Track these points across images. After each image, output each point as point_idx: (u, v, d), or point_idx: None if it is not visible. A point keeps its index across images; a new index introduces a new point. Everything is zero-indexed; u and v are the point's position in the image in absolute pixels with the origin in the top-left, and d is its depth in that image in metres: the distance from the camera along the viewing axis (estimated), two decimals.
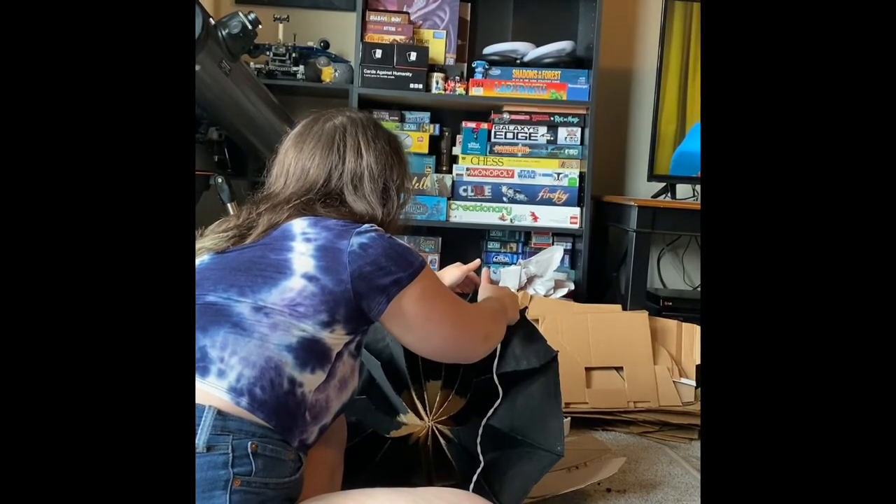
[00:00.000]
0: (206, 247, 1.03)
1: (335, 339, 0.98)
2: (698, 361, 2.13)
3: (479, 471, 1.25)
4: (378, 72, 2.55)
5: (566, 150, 2.67)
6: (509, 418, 1.34)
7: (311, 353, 0.95)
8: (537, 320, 2.09)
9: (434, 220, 2.63)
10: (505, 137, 2.68)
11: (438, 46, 2.69)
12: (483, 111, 2.74)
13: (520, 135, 2.68)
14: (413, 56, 2.56)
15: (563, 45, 2.63)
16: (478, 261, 1.51)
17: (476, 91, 2.62)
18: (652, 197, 2.76)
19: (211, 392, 0.89)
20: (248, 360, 0.91)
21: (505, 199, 2.65)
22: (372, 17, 2.64)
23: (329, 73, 2.64)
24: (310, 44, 2.73)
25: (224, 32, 2.01)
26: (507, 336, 1.41)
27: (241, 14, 2.04)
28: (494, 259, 2.80)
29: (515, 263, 2.70)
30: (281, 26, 2.63)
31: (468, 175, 2.66)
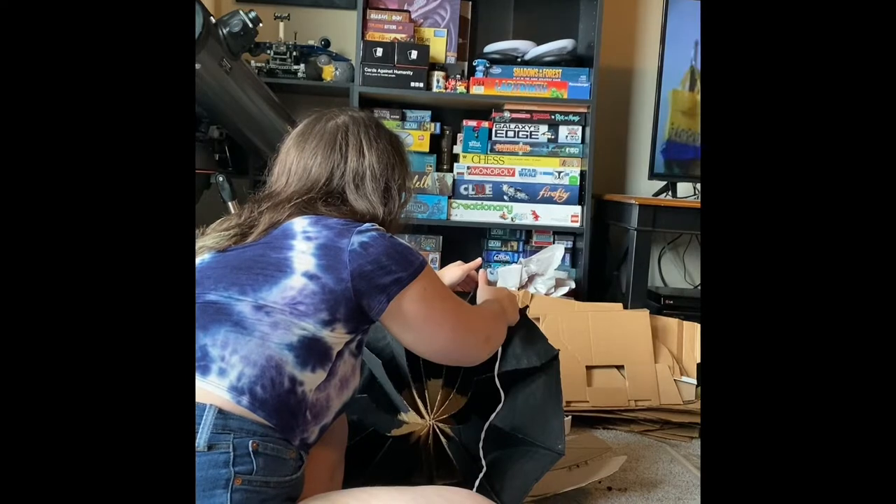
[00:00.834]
0: (208, 245, 1.04)
1: (336, 337, 0.98)
2: (699, 360, 2.13)
3: (481, 475, 1.25)
4: (379, 70, 2.55)
5: (567, 149, 2.67)
6: (510, 417, 1.34)
7: (311, 351, 0.95)
8: (538, 319, 2.09)
9: (435, 219, 2.63)
10: (506, 136, 2.68)
11: (439, 45, 2.69)
12: (484, 110, 2.74)
13: (521, 133, 2.68)
14: (414, 54, 2.56)
15: (563, 44, 2.63)
16: (478, 260, 1.51)
17: (477, 89, 2.62)
18: (653, 195, 2.76)
19: (212, 391, 0.89)
20: (248, 359, 0.91)
21: (506, 197, 2.65)
22: (373, 15, 2.64)
23: (330, 72, 2.64)
24: (310, 42, 2.73)
25: (225, 31, 2.01)
26: (507, 335, 1.41)
27: (241, 12, 2.04)
28: (495, 258, 2.80)
29: (516, 262, 2.70)
30: (282, 25, 2.63)
31: (469, 174, 2.66)
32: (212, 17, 1.98)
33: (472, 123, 2.69)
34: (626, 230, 2.56)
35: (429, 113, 2.75)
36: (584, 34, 2.76)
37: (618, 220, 2.68)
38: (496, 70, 2.63)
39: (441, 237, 2.76)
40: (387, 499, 0.94)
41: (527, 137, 2.68)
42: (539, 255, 2.54)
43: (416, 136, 2.69)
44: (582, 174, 2.65)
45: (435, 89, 2.60)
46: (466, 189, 2.65)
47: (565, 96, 2.62)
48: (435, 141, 2.75)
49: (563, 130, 2.67)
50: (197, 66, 1.92)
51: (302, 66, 2.61)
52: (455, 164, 2.68)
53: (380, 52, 2.55)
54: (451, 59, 2.71)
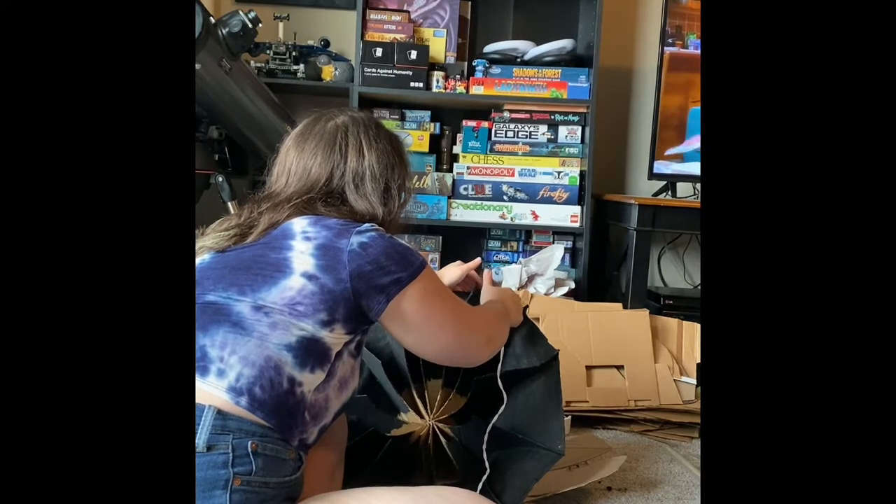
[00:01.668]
0: (207, 245, 1.03)
1: (335, 338, 0.98)
2: (699, 360, 2.13)
3: (484, 478, 1.25)
4: (378, 70, 2.55)
5: (567, 149, 2.67)
6: (510, 417, 1.34)
7: (310, 352, 0.95)
8: (538, 319, 2.09)
9: (434, 219, 2.62)
10: (505, 136, 2.68)
11: (439, 45, 2.69)
12: (483, 110, 2.74)
13: (520, 133, 2.68)
14: (413, 54, 2.56)
15: (563, 44, 2.63)
16: (478, 259, 1.51)
17: (476, 90, 2.62)
18: (652, 195, 2.76)
19: (210, 391, 0.89)
20: (247, 360, 0.91)
21: (505, 197, 2.65)
22: (372, 15, 2.64)
23: (329, 72, 2.64)
24: (310, 42, 2.73)
25: (224, 31, 2.01)
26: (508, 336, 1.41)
27: (241, 13, 2.04)
28: (495, 258, 2.80)
29: (516, 262, 2.70)
30: (281, 25, 2.63)
31: (469, 174, 2.66)
32: (211, 18, 1.98)
33: (472, 123, 2.69)
34: (626, 230, 2.56)
35: (428, 113, 2.75)
36: (583, 34, 2.76)
37: (617, 220, 2.68)
38: (496, 70, 2.63)
39: (441, 237, 2.76)
40: (387, 499, 0.93)
41: (526, 137, 2.68)
42: (539, 255, 2.54)
43: (415, 136, 2.69)
44: (582, 174, 2.65)
45: (434, 89, 2.60)
46: (466, 189, 2.65)
47: (565, 96, 2.62)
48: (434, 141, 2.75)
49: (563, 130, 2.67)
50: (197, 66, 1.91)
51: (301, 67, 2.61)
52: (455, 165, 2.68)
53: (379, 52, 2.55)
54: (451, 59, 2.70)
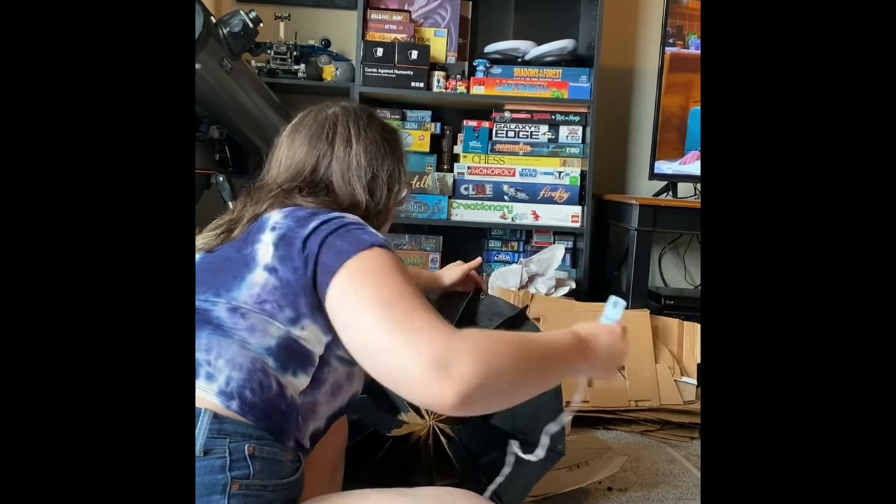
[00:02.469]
0: (198, 246, 1.01)
1: (310, 336, 0.92)
2: (699, 360, 2.13)
3: (499, 480, 1.23)
4: (379, 70, 2.55)
5: (567, 149, 2.67)
6: (510, 417, 1.34)
7: (291, 354, 0.91)
8: (538, 319, 2.09)
9: (435, 219, 2.62)
10: (506, 136, 2.68)
11: (440, 45, 2.69)
12: (484, 110, 2.74)
13: (521, 133, 2.68)
14: (414, 54, 2.56)
15: (564, 44, 2.63)
16: (479, 259, 1.51)
17: (477, 89, 2.62)
18: (653, 195, 2.76)
19: (202, 395, 0.87)
20: (234, 363, 0.89)
21: (506, 197, 2.65)
22: (373, 15, 2.64)
23: (330, 72, 2.64)
24: (311, 42, 2.73)
25: (225, 31, 2.01)
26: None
27: (242, 12, 2.05)
28: (496, 258, 2.80)
29: (516, 262, 2.70)
30: (282, 24, 2.63)
31: (469, 174, 2.66)
32: (212, 17, 1.98)
33: (473, 123, 2.69)
34: (627, 230, 2.56)
35: (429, 113, 2.75)
36: (584, 34, 2.76)
37: (618, 220, 2.67)
38: (496, 70, 2.63)
39: (441, 237, 2.76)
40: (385, 501, 0.93)
41: (527, 137, 2.68)
42: (539, 255, 2.54)
43: (416, 136, 2.69)
44: (582, 174, 2.65)
45: (435, 89, 2.60)
46: (467, 189, 2.65)
47: (566, 96, 2.62)
48: (435, 141, 2.75)
49: (564, 130, 2.67)
50: (197, 66, 1.92)
51: (302, 66, 2.61)
52: (455, 164, 2.68)
53: (380, 52, 2.55)
54: (452, 59, 2.71)
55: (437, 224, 2.65)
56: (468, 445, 1.35)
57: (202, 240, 1.02)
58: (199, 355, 0.89)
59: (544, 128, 2.67)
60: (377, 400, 1.42)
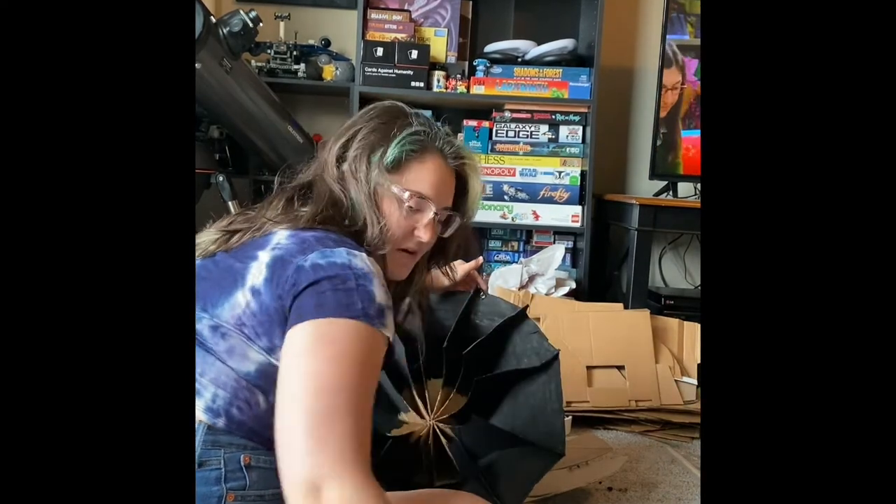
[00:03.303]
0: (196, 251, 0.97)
1: None
2: (699, 360, 2.13)
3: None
4: (379, 70, 2.55)
5: (567, 149, 2.67)
6: (510, 418, 1.34)
7: (272, 380, 0.84)
8: (539, 319, 2.09)
9: None
10: (506, 136, 2.68)
11: (440, 44, 2.69)
12: (484, 109, 2.74)
13: (521, 133, 2.68)
14: (414, 54, 2.56)
15: (564, 44, 2.63)
16: (479, 259, 1.50)
17: (477, 89, 2.62)
18: (653, 195, 2.76)
19: None
20: (218, 381, 0.86)
21: (506, 197, 2.65)
22: (373, 14, 2.64)
23: (330, 72, 2.64)
24: (311, 42, 2.72)
25: (225, 30, 2.01)
26: (507, 334, 1.41)
27: (241, 12, 2.04)
28: (496, 258, 2.80)
29: (517, 262, 2.70)
30: (282, 24, 2.63)
31: None
32: (212, 17, 1.98)
33: (473, 123, 2.69)
34: (627, 230, 2.56)
35: (429, 112, 2.74)
36: (584, 34, 2.76)
37: (618, 220, 2.67)
38: (497, 70, 2.63)
39: None
40: None
41: (527, 137, 2.68)
42: (539, 255, 2.54)
43: None
44: (582, 174, 2.65)
45: (435, 89, 2.60)
46: None
47: (566, 96, 2.62)
48: None
49: (564, 130, 2.67)
50: (197, 65, 1.92)
51: (302, 66, 2.61)
52: None
53: (380, 51, 2.55)
54: (452, 59, 2.70)
55: None
56: (468, 446, 1.35)
57: (199, 246, 0.97)
58: None
59: (544, 128, 2.67)
60: (377, 400, 1.41)
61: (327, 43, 2.74)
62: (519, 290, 2.37)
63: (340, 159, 1.01)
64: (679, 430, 1.97)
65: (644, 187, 2.90)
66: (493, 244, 2.81)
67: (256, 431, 0.86)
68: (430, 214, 1.02)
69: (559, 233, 2.74)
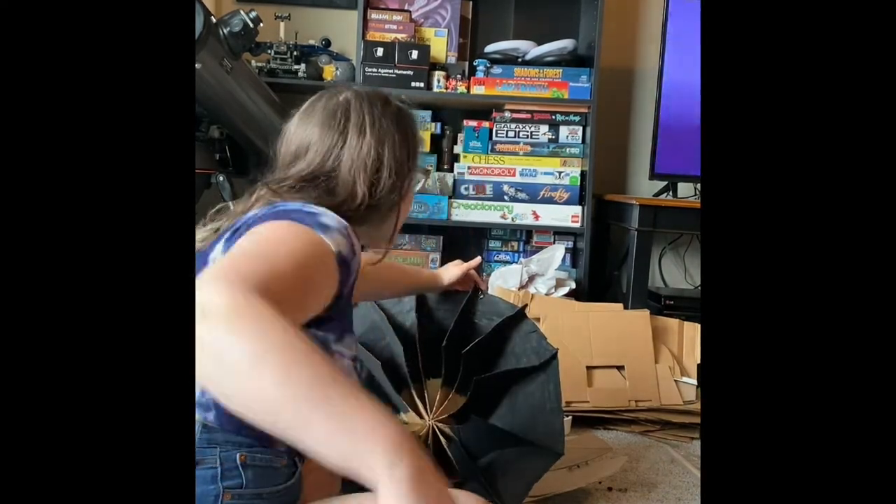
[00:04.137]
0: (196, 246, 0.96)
1: None
2: (699, 360, 2.13)
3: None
4: (379, 70, 2.55)
5: (567, 149, 2.67)
6: (509, 417, 1.34)
7: None
8: (538, 319, 2.09)
9: (435, 219, 2.62)
10: (506, 136, 2.68)
11: (440, 45, 2.69)
12: (484, 110, 2.74)
13: (521, 133, 2.68)
14: (414, 54, 2.56)
15: (564, 44, 2.63)
16: (478, 259, 1.51)
17: (477, 89, 2.62)
18: (653, 195, 2.76)
19: None
20: None
21: (506, 197, 2.65)
22: (373, 15, 2.64)
23: (330, 72, 2.64)
24: (311, 42, 2.73)
25: (225, 30, 2.01)
26: (506, 334, 1.41)
27: (242, 12, 2.05)
28: (496, 258, 2.80)
29: (517, 262, 2.70)
30: (282, 24, 2.63)
31: (469, 174, 2.66)
32: (212, 17, 1.98)
33: (473, 123, 2.69)
34: (627, 230, 2.56)
35: (429, 113, 2.75)
36: (584, 34, 2.76)
37: (618, 220, 2.67)
38: (497, 70, 2.63)
39: (441, 237, 2.76)
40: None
41: (527, 137, 2.68)
42: (539, 255, 2.54)
43: None
44: (582, 174, 2.65)
45: (435, 89, 2.60)
46: (467, 189, 2.65)
47: (566, 96, 2.62)
48: (435, 141, 2.75)
49: (564, 130, 2.67)
50: (197, 65, 1.92)
51: (302, 66, 2.61)
52: (455, 164, 2.68)
53: (380, 51, 2.55)
54: (452, 59, 2.71)
55: (437, 224, 2.65)
56: (468, 445, 1.35)
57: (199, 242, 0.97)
58: None
59: (544, 128, 2.67)
60: (376, 401, 1.41)
61: (327, 43, 2.74)
62: (519, 290, 2.37)
63: (377, 165, 1.01)
64: (679, 430, 1.97)
65: (644, 187, 2.90)
66: (493, 244, 2.81)
67: (247, 424, 0.85)
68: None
69: (559, 233, 2.74)
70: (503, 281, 2.44)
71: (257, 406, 0.63)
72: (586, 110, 2.64)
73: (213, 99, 2.11)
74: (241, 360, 0.61)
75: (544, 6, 2.84)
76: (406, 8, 2.70)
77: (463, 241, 2.82)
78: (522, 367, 1.34)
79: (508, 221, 2.64)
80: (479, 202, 2.64)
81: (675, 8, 2.61)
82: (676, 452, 1.83)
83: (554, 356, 1.37)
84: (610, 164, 2.94)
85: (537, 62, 2.64)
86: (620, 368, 2.07)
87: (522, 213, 2.63)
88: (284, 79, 2.60)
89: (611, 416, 1.99)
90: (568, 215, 2.63)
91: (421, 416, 1.38)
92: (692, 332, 2.18)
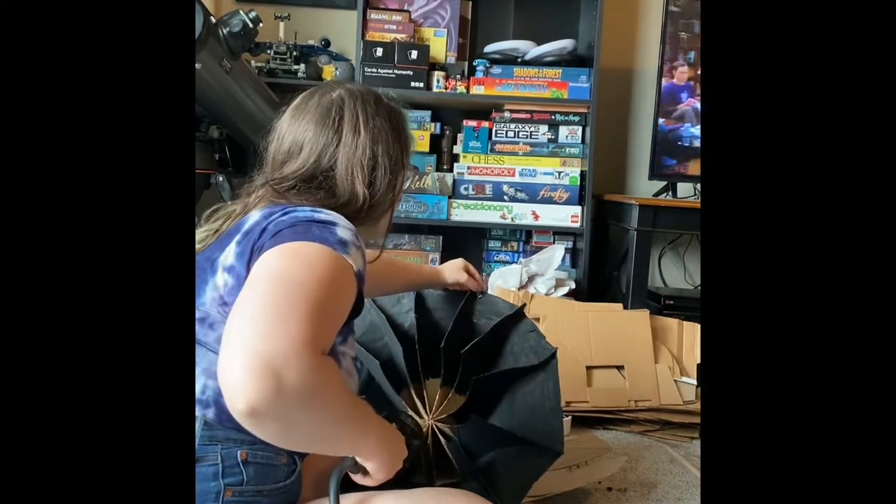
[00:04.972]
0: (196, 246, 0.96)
1: None
2: (699, 360, 2.13)
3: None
4: (379, 70, 2.55)
5: (567, 149, 2.67)
6: (509, 417, 1.34)
7: None
8: (538, 319, 2.09)
9: (435, 219, 2.62)
10: (506, 136, 2.68)
11: (439, 45, 2.69)
12: (484, 110, 2.74)
13: (521, 133, 2.68)
14: (414, 54, 2.56)
15: (564, 44, 2.63)
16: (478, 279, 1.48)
17: (477, 89, 2.62)
18: (653, 195, 2.76)
19: None
20: (209, 371, 0.85)
21: (506, 197, 2.65)
22: (373, 15, 2.64)
23: (330, 72, 2.64)
24: (311, 42, 2.73)
25: (225, 31, 2.01)
26: (505, 333, 1.41)
27: (241, 12, 2.05)
28: (495, 258, 2.80)
29: (516, 262, 2.70)
30: (282, 24, 2.63)
31: (469, 174, 2.66)
32: (212, 17, 1.98)
33: (473, 123, 2.69)
34: (627, 230, 2.56)
35: (429, 113, 2.75)
36: (584, 34, 2.76)
37: (618, 220, 2.67)
38: (496, 70, 2.63)
39: (441, 237, 2.76)
40: (385, 502, 0.93)
41: (527, 137, 2.68)
42: (539, 255, 2.54)
43: (416, 136, 2.69)
44: (582, 174, 2.65)
45: (435, 89, 2.60)
46: (466, 189, 2.65)
47: (565, 96, 2.62)
48: (435, 141, 2.75)
49: (564, 130, 2.67)
50: (197, 65, 1.92)
51: (302, 66, 2.61)
52: (455, 164, 2.68)
53: (380, 51, 2.55)
54: (452, 59, 2.70)
55: (436, 224, 2.65)
56: (467, 445, 1.35)
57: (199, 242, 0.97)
58: None
59: (544, 128, 2.67)
60: (376, 401, 1.41)
61: (327, 43, 2.74)
62: (518, 290, 2.37)
63: (372, 163, 1.00)
64: (678, 430, 1.97)
65: (644, 187, 2.90)
66: (492, 244, 2.81)
67: None
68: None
69: (559, 233, 2.74)
70: (503, 281, 2.44)
71: (304, 447, 0.87)
72: (586, 110, 2.64)
73: (212, 99, 2.11)
74: (313, 430, 0.78)
75: (544, 6, 2.84)
76: (405, 8, 2.70)
77: (462, 241, 2.82)
78: (521, 366, 1.34)
79: (508, 221, 2.64)
80: (479, 202, 2.64)
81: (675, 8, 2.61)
82: (676, 452, 1.83)
83: (553, 355, 1.37)
84: (609, 164, 2.94)
85: (537, 62, 2.64)
86: (620, 368, 2.07)
87: (522, 213, 2.63)
88: (284, 79, 2.60)
89: (610, 416, 1.99)
90: (567, 215, 2.63)
91: (420, 416, 1.38)
92: (692, 332, 2.18)
